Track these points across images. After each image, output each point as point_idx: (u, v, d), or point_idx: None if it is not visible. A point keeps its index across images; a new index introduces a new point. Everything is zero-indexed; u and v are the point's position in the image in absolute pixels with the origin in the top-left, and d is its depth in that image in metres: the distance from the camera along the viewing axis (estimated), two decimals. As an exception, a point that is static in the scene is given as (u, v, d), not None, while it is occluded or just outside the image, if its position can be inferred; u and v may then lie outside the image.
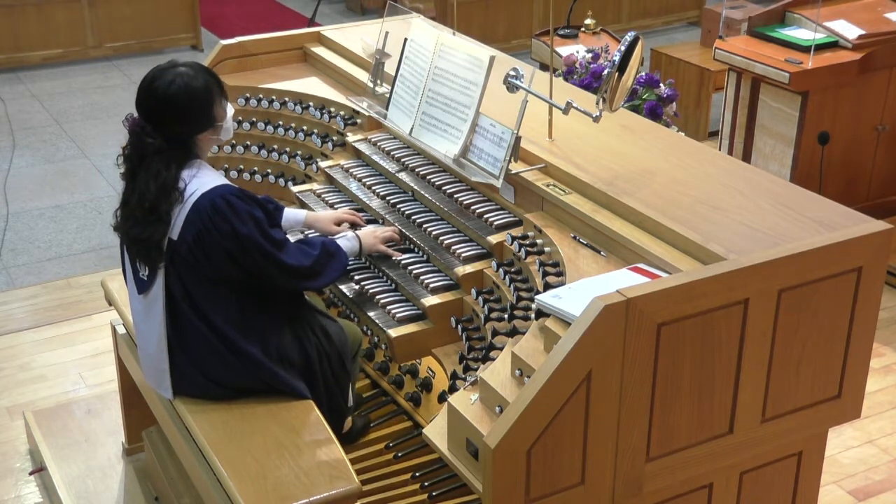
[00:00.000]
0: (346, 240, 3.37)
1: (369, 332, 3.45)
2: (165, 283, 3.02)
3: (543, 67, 6.49)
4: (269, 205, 3.33)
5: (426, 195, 3.53)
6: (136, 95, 3.04)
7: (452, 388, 2.95)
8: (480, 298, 3.13)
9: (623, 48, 3.05)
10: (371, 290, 3.36)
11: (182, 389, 3.13)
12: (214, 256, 2.97)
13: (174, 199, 2.96)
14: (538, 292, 2.86)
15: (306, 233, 3.60)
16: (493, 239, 3.22)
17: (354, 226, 3.57)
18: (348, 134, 4.00)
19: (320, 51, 4.50)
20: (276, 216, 3.17)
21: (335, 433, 3.15)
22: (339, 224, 3.56)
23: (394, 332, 3.19)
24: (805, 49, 5.28)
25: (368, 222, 3.62)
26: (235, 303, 3.04)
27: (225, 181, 3.05)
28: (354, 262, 3.48)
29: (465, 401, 2.68)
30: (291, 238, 3.21)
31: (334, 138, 4.06)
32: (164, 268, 3.01)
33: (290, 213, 3.56)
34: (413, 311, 3.25)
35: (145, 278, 3.06)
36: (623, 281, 2.67)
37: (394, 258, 3.40)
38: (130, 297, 3.21)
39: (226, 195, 2.98)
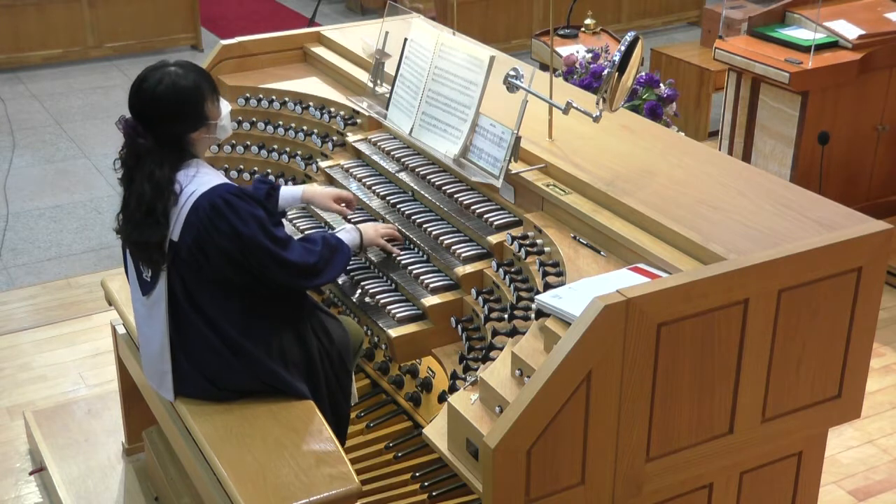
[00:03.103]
0: (346, 232, 3.32)
1: (369, 332, 3.45)
2: (168, 285, 3.01)
3: (543, 67, 6.48)
4: (265, 185, 3.32)
5: (426, 195, 3.52)
6: (128, 96, 3.03)
7: (452, 388, 2.95)
8: (480, 298, 3.13)
9: (623, 48, 3.05)
10: (371, 290, 3.35)
11: (183, 391, 3.12)
12: (214, 257, 2.95)
13: (168, 200, 2.93)
14: (538, 292, 2.86)
15: (324, 232, 3.59)
16: (493, 239, 3.22)
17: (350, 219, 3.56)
18: (348, 134, 4.00)
19: (320, 51, 4.50)
20: (276, 213, 3.13)
21: (339, 434, 3.14)
22: (337, 201, 3.53)
23: (394, 332, 3.18)
24: (805, 49, 5.28)
25: (367, 222, 3.62)
26: (237, 303, 3.03)
27: (224, 180, 3.02)
28: (354, 262, 3.47)
29: (465, 401, 2.68)
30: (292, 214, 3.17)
31: (334, 138, 4.06)
32: (166, 269, 3.00)
33: (287, 192, 3.51)
34: (413, 311, 3.24)
35: (148, 279, 3.05)
36: (623, 281, 2.67)
37: (393, 255, 3.39)
38: (133, 299, 3.20)
39: (224, 195, 2.94)
